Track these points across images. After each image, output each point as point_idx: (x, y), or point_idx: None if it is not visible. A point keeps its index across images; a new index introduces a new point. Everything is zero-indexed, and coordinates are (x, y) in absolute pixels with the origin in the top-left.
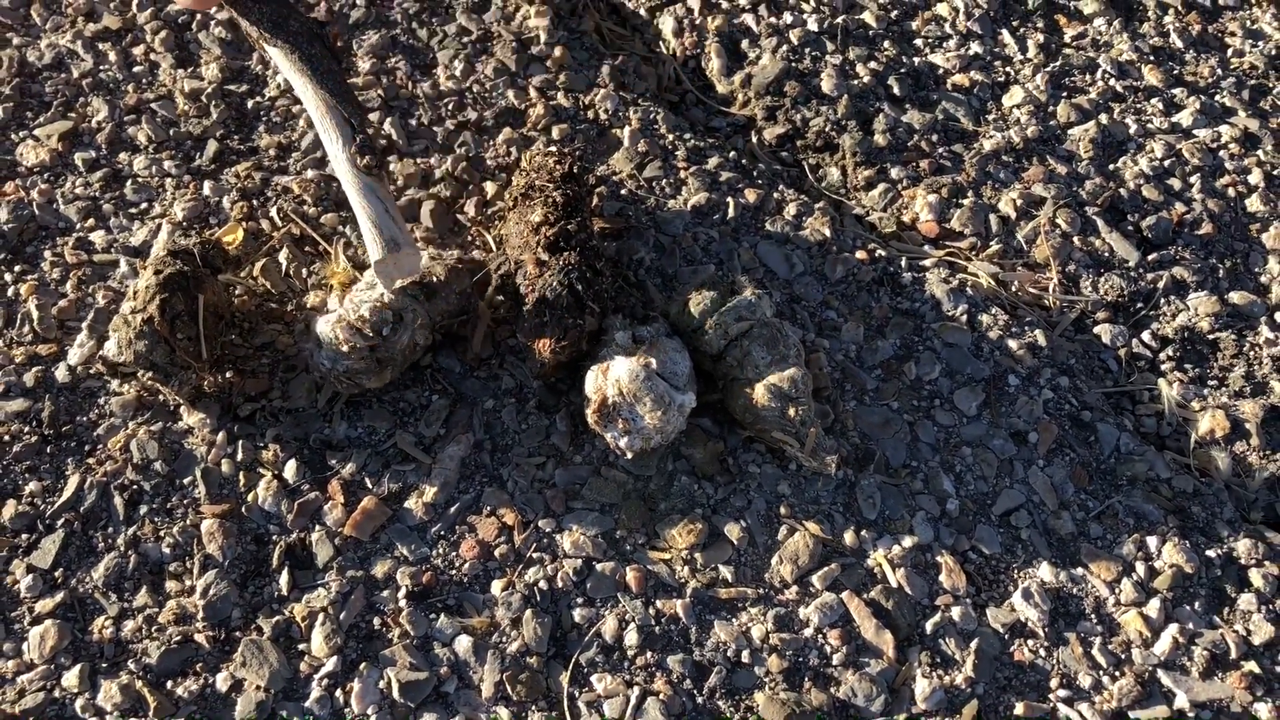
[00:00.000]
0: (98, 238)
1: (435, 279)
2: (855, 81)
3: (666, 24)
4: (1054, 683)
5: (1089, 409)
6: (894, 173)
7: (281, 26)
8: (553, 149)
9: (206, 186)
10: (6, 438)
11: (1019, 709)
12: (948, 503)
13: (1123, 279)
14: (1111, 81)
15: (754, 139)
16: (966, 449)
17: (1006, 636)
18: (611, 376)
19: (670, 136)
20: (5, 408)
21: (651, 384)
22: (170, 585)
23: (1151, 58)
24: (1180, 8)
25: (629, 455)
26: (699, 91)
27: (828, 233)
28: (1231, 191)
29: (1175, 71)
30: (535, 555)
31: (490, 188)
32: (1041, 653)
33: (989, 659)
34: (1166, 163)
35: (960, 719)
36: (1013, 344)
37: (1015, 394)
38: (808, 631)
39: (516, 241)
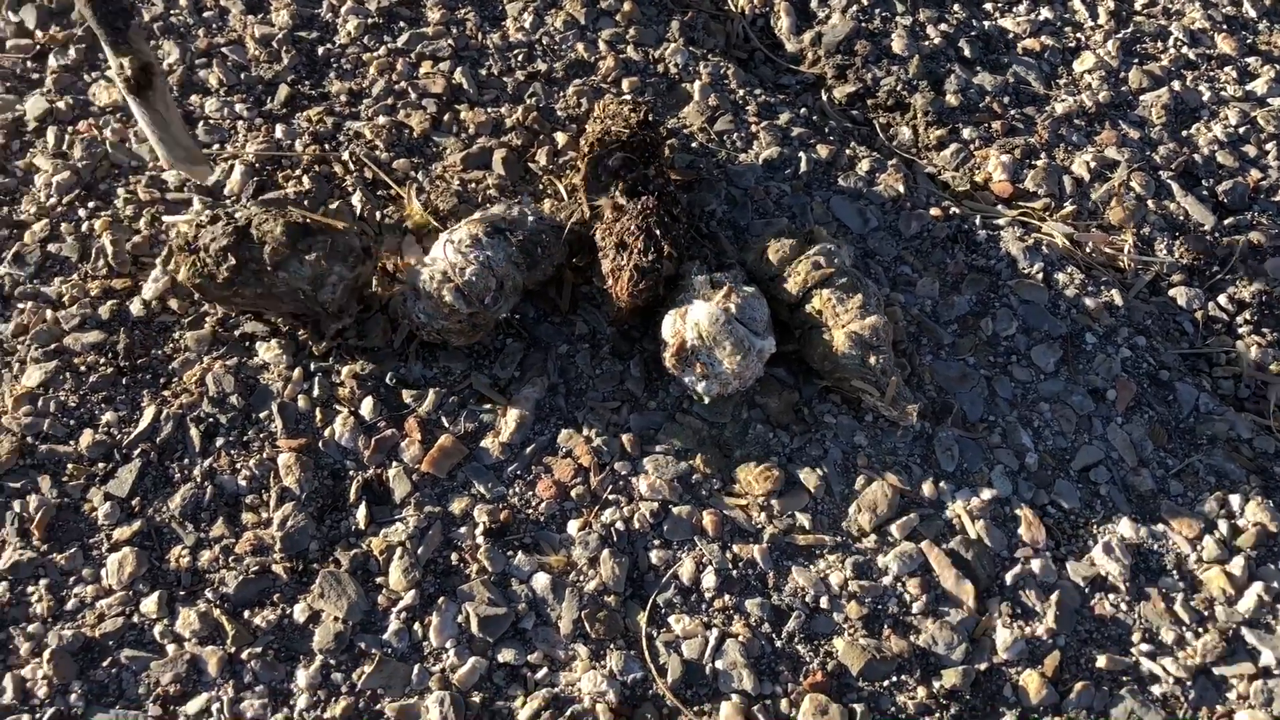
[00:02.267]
0: (170, 176)
1: (541, 249)
2: (926, 43)
3: None
4: (1136, 637)
5: (1166, 368)
6: (966, 133)
7: None
8: (626, 98)
9: (278, 129)
10: (83, 369)
11: (1101, 662)
12: (1026, 457)
13: (1198, 242)
14: (1184, 49)
15: (824, 97)
16: (1044, 404)
17: (1087, 590)
18: (690, 320)
19: (741, 91)
20: (81, 339)
21: (731, 328)
22: (246, 517)
23: (1224, 26)
24: None
25: (706, 400)
26: (767, 49)
27: (902, 189)
28: None
29: (1249, 41)
30: (612, 497)
31: (561, 138)
32: (1123, 607)
33: (1070, 612)
34: (1241, 130)
35: (1042, 669)
36: (1089, 302)
37: (1093, 352)
38: (886, 580)
39: (593, 187)
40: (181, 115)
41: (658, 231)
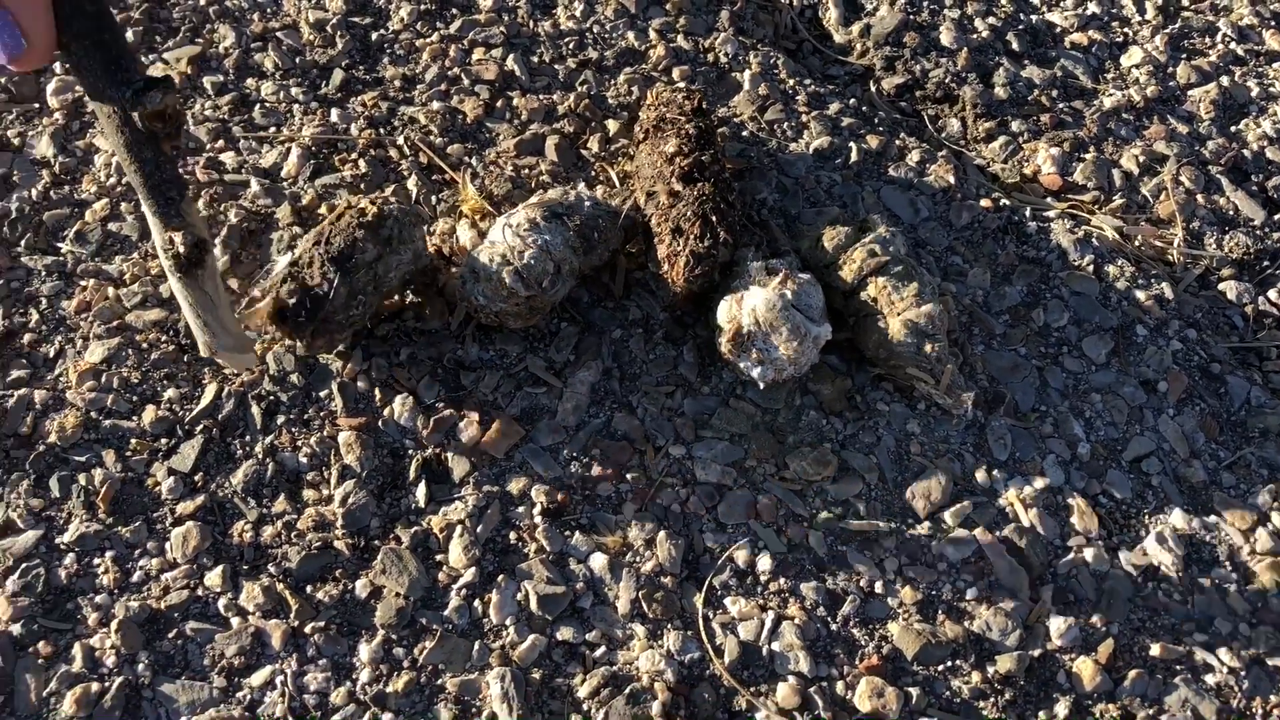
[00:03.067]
0: (228, 158)
1: (598, 234)
2: (974, 36)
3: None
4: (1189, 627)
5: (1217, 362)
6: (1015, 125)
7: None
8: (680, 85)
9: (334, 113)
10: (145, 346)
11: (1155, 650)
12: (1078, 447)
13: (1248, 237)
14: (1232, 45)
15: (872, 88)
16: (1096, 395)
17: (1140, 579)
18: (747, 305)
19: (791, 81)
20: (143, 317)
21: (788, 314)
22: (307, 494)
23: (1272, 23)
24: None
25: (761, 386)
26: (815, 40)
27: (952, 180)
28: None
29: None
30: (667, 480)
31: (612, 125)
32: (1176, 596)
33: (1123, 600)
34: None
35: (1096, 657)
36: (1140, 295)
37: (1144, 344)
38: (941, 566)
39: (648, 173)
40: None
41: (714, 218)
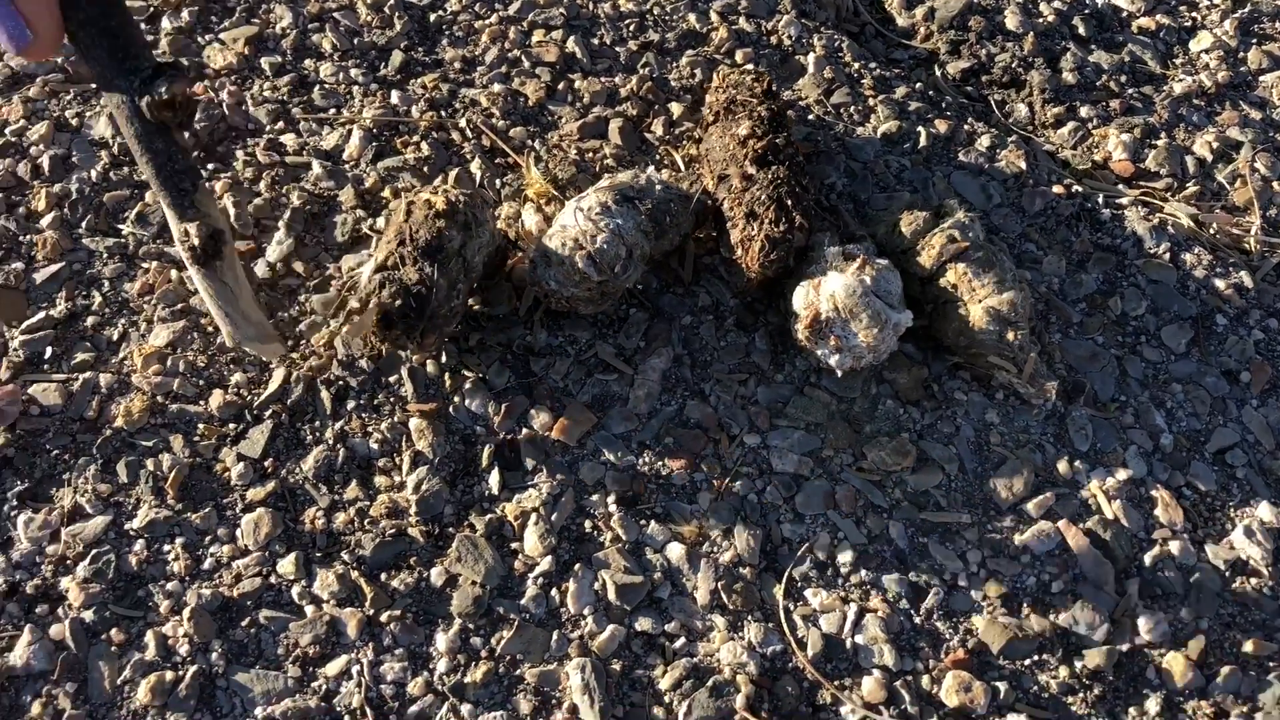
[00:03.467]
0: (289, 140)
1: (670, 218)
2: (1039, 20)
3: None
4: None
5: None
6: (1084, 111)
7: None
8: (747, 68)
9: (394, 95)
10: (210, 329)
11: (1248, 646)
12: (1161, 438)
13: None
14: None
15: (937, 72)
16: (1177, 385)
17: (1228, 573)
18: (825, 291)
19: (856, 65)
20: None
21: (868, 300)
22: (379, 480)
23: None
24: None
25: (838, 373)
26: (878, 24)
27: (1024, 165)
28: None
29: None
30: (742, 469)
31: (676, 108)
32: (1266, 591)
33: (1211, 595)
34: None
35: (1186, 652)
36: (1219, 284)
37: (1224, 333)
38: (1025, 558)
39: (719, 156)
40: (251, 288)
41: (789, 201)
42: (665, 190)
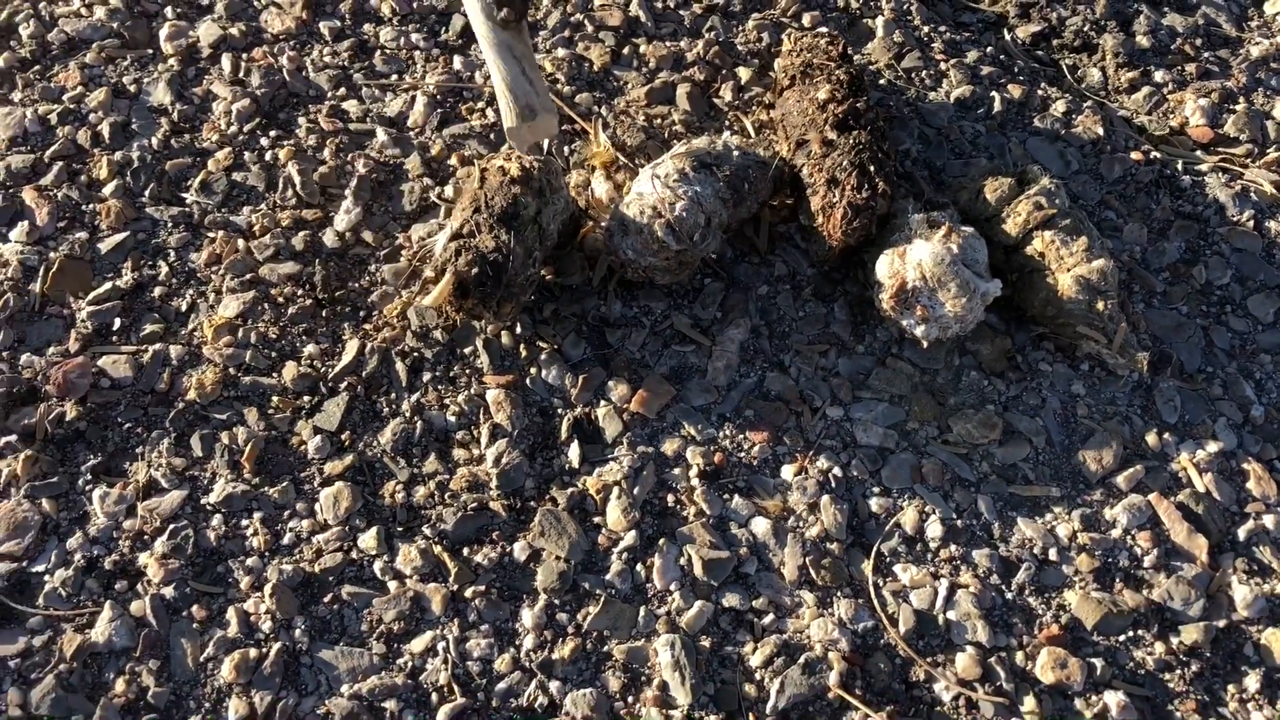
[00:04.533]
0: (351, 106)
1: (748, 185)
2: None
3: None
4: None
5: None
6: (1158, 76)
7: None
8: (821, 30)
9: (457, 61)
10: (281, 300)
11: None
12: (1251, 409)
13: None
14: None
15: (1006, 36)
16: (1265, 356)
17: None
18: (911, 260)
19: (926, 28)
20: (277, 270)
21: (956, 269)
22: (458, 453)
23: None
24: None
25: (925, 344)
26: None
27: (1101, 131)
28: None
29: None
30: (826, 442)
31: (744, 73)
32: None
33: None
34: None
35: None
36: None
37: None
38: (1115, 532)
39: (797, 120)
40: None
41: (872, 167)
42: (743, 156)
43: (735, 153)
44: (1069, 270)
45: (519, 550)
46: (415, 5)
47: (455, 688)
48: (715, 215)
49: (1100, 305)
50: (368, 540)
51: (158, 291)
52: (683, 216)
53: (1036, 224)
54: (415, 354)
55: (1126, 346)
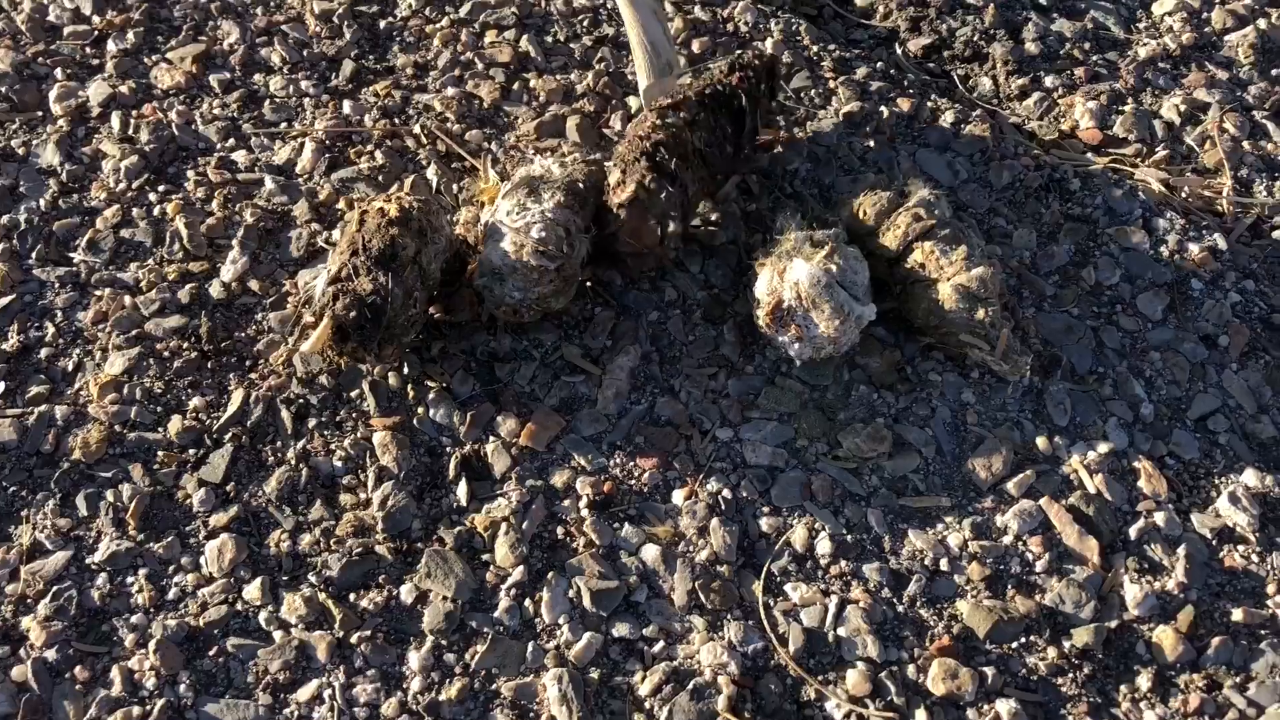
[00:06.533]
0: (240, 156)
1: (584, 185)
2: None
3: None
4: (1270, 589)
5: (1278, 312)
6: (1048, 81)
7: None
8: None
9: (346, 105)
10: (166, 354)
11: (1237, 615)
12: (1141, 408)
13: None
14: None
15: (898, 50)
16: (1155, 354)
17: (1215, 542)
18: (789, 279)
19: (815, 47)
20: (163, 324)
21: (832, 291)
22: (344, 498)
23: None
24: None
25: (797, 363)
26: (836, 5)
27: (989, 139)
28: None
29: None
30: (716, 465)
31: (634, 102)
32: (1254, 558)
33: (1199, 565)
34: None
35: (1176, 625)
36: (1193, 248)
37: (1200, 298)
38: (1007, 539)
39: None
40: None
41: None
42: (564, 168)
43: (556, 168)
44: (949, 280)
45: (405, 593)
46: (305, 53)
47: None
48: (569, 222)
49: (981, 313)
50: (252, 591)
51: (44, 353)
52: (543, 235)
53: (916, 235)
54: (300, 400)
55: (1009, 353)
